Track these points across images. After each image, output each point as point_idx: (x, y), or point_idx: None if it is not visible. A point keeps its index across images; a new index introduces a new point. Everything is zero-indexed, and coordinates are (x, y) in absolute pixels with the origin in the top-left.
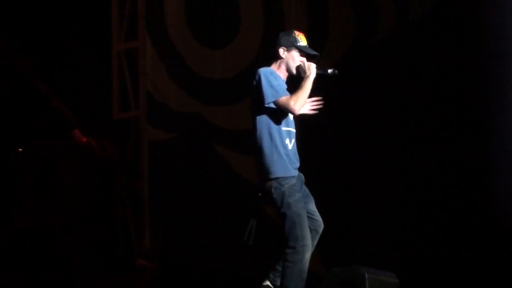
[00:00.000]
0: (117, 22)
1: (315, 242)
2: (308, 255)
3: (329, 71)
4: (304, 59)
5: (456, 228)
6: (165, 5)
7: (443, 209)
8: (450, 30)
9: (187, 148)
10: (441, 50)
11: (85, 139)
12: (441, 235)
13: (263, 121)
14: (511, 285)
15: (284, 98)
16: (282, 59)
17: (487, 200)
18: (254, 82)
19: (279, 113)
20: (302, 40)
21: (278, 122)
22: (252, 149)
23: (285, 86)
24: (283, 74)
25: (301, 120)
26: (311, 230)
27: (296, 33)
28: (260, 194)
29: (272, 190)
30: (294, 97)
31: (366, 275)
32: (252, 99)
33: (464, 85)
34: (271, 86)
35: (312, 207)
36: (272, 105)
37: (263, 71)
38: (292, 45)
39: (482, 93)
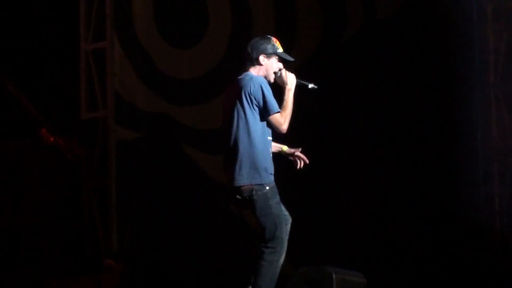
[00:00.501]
0: (85, 22)
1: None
2: (283, 257)
3: (310, 86)
4: (281, 65)
5: (423, 228)
6: (133, 5)
7: (410, 209)
8: (417, 30)
9: (155, 148)
10: (408, 50)
11: (52, 139)
12: (409, 235)
13: (252, 127)
14: (478, 285)
15: (278, 115)
16: (261, 66)
17: (454, 201)
18: (252, 89)
19: (266, 123)
20: (280, 47)
21: (263, 130)
22: (227, 152)
23: None
24: None
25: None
26: None
27: (274, 39)
28: (238, 197)
29: (253, 192)
30: (284, 116)
31: (334, 275)
32: (241, 103)
33: (431, 84)
34: (273, 99)
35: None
36: (269, 118)
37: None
38: (272, 52)
39: (449, 92)
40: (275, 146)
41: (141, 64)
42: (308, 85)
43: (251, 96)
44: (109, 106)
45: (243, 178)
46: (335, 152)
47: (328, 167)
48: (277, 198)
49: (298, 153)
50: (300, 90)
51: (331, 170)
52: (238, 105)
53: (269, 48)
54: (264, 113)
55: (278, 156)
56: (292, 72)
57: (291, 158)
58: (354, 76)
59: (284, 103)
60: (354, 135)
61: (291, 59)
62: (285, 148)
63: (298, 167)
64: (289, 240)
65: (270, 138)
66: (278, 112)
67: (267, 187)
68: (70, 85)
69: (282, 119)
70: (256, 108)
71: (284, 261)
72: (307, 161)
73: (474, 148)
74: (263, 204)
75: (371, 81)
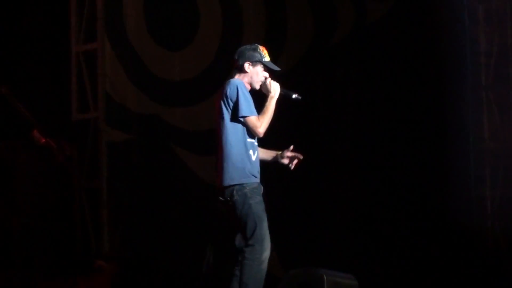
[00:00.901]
0: (76, 24)
1: None
2: (266, 255)
3: (293, 96)
4: (266, 74)
5: (415, 230)
6: (124, 6)
7: (401, 212)
8: (408, 32)
9: (146, 149)
10: (399, 52)
11: (44, 140)
12: (400, 237)
13: (230, 129)
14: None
15: (254, 118)
16: (246, 73)
17: (446, 204)
18: (228, 91)
19: (244, 124)
20: (266, 56)
21: (243, 131)
22: (216, 154)
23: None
24: (247, 88)
25: None
26: None
27: (261, 48)
28: (221, 198)
29: (234, 192)
30: (262, 120)
31: (325, 277)
32: (222, 106)
33: (422, 86)
34: (247, 101)
35: None
36: (242, 119)
37: (238, 83)
38: (258, 60)
39: (440, 94)
40: (270, 154)
41: (132, 65)
42: (292, 95)
43: (228, 99)
44: (100, 108)
45: (225, 179)
46: (325, 153)
47: (319, 168)
48: (258, 198)
49: (289, 153)
50: (284, 99)
51: (322, 172)
52: (220, 108)
53: (255, 56)
54: (237, 113)
55: (276, 165)
56: (279, 77)
57: (285, 161)
58: (344, 78)
59: (264, 108)
60: (344, 137)
61: (277, 68)
62: (279, 153)
63: (293, 166)
64: (280, 242)
65: (252, 140)
66: (252, 115)
67: (247, 187)
68: (61, 86)
69: (259, 122)
70: (231, 111)
71: (274, 263)
72: (301, 157)
73: (466, 150)
74: (243, 203)
75: (362, 83)
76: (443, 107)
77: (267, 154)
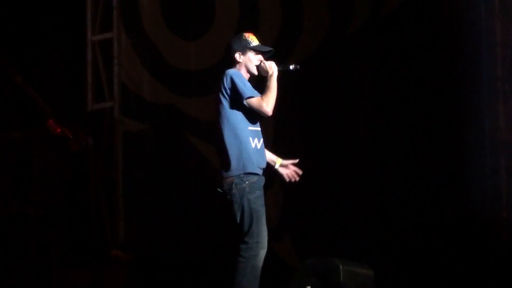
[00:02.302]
0: (92, 13)
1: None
2: (262, 252)
3: (291, 67)
4: (260, 57)
5: (430, 220)
6: None
7: (417, 202)
8: (424, 23)
9: (161, 139)
10: (415, 43)
11: (59, 130)
12: (415, 227)
13: (229, 119)
14: (484, 280)
15: (257, 98)
16: (240, 63)
17: (461, 194)
18: (224, 82)
19: (245, 112)
20: (254, 40)
21: (243, 121)
22: (216, 146)
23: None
24: (246, 76)
25: (275, 115)
26: None
27: (246, 35)
28: (219, 190)
29: (233, 185)
30: (266, 99)
31: (341, 266)
32: (220, 98)
33: (437, 77)
34: (245, 85)
35: None
36: (245, 103)
37: (232, 72)
38: (245, 48)
39: (455, 84)
40: (270, 158)
41: (147, 55)
42: (289, 68)
43: (225, 89)
44: (116, 97)
45: (224, 171)
46: (341, 144)
47: (335, 159)
48: (257, 193)
49: (291, 165)
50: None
51: (338, 162)
52: (219, 100)
53: (241, 44)
54: (240, 99)
55: (270, 170)
56: (298, 64)
57: (283, 171)
58: (360, 69)
59: (266, 88)
60: (360, 127)
61: (268, 49)
62: (279, 161)
63: (288, 180)
64: (296, 232)
65: (255, 128)
66: (254, 96)
67: (246, 182)
68: (77, 76)
69: (264, 102)
70: (230, 99)
71: (290, 253)
72: (297, 178)
73: (482, 141)
74: (241, 198)
75: (377, 74)
76: (459, 97)
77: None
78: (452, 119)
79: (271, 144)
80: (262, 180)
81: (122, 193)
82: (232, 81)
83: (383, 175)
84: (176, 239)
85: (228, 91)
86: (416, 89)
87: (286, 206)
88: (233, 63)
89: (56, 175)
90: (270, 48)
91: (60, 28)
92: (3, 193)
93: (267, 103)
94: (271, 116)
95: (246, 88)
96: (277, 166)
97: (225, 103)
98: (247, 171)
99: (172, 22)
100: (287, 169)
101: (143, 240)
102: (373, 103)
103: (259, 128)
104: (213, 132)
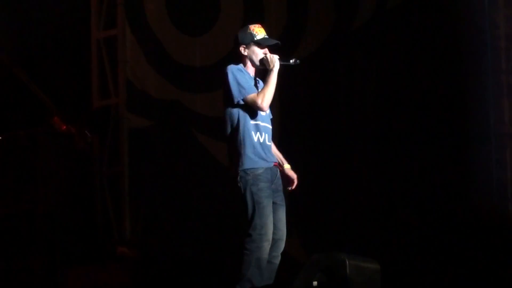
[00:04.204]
0: (96, 10)
1: (280, 250)
2: (266, 244)
3: (291, 61)
4: (266, 50)
5: (436, 214)
6: None
7: (422, 195)
8: (428, 17)
9: (167, 135)
10: (419, 37)
11: (64, 127)
12: (421, 221)
13: (232, 114)
14: (491, 274)
15: (251, 95)
16: (245, 56)
17: (466, 187)
18: (223, 79)
19: (248, 107)
20: (259, 33)
21: (246, 116)
22: (224, 140)
23: (253, 82)
24: (251, 70)
25: (281, 111)
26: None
27: (251, 27)
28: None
29: (238, 179)
30: (261, 95)
31: (347, 261)
32: (223, 94)
33: (442, 71)
34: (238, 83)
35: (280, 215)
36: (241, 102)
37: (230, 68)
38: (250, 41)
39: (460, 78)
40: (278, 157)
41: (152, 51)
42: (290, 62)
43: (224, 85)
44: (121, 94)
45: (231, 166)
46: (347, 139)
47: (341, 154)
48: (262, 185)
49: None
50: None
51: (344, 158)
52: (223, 95)
53: (246, 37)
54: (232, 99)
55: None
56: (299, 59)
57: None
58: (365, 63)
59: (265, 83)
60: (366, 121)
61: (273, 42)
62: (286, 166)
63: (290, 189)
64: (303, 226)
65: (258, 122)
66: (247, 95)
67: (250, 174)
68: (82, 73)
69: (259, 98)
70: (227, 97)
71: (296, 248)
72: (291, 188)
73: (487, 134)
74: (244, 190)
75: (382, 69)
76: (464, 91)
77: None
78: (457, 113)
79: (276, 140)
80: (269, 172)
81: (128, 190)
82: (227, 79)
83: (389, 169)
84: (182, 236)
85: (225, 88)
86: (421, 83)
87: (292, 201)
88: (238, 57)
89: (61, 173)
90: (275, 41)
91: (65, 25)
92: (9, 191)
93: (263, 99)
94: (276, 112)
95: (239, 86)
96: (284, 169)
97: (226, 99)
98: (250, 165)
99: (177, 18)
100: (291, 176)
101: (149, 237)
102: (378, 98)
103: (266, 124)
104: (220, 127)
